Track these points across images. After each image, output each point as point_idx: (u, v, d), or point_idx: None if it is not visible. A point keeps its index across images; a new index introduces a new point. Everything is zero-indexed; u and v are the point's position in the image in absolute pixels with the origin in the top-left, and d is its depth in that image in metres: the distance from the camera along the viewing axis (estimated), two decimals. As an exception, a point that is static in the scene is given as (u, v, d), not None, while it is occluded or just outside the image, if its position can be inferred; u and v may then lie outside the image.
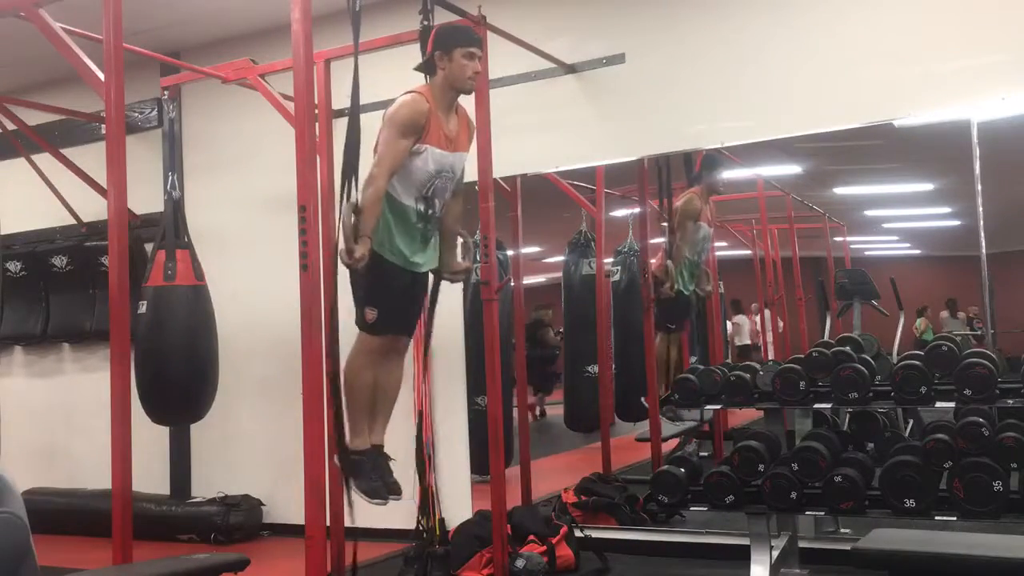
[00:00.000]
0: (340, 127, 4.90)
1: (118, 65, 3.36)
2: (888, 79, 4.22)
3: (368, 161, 3.43)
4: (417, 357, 4.82)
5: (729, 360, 5.62)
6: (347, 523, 3.81)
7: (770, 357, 6.00)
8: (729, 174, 5.71)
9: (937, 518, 3.42)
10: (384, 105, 4.96)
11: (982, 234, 4.11)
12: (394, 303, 3.49)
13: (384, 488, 3.48)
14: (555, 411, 7.52)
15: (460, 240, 3.77)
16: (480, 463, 4.90)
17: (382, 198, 3.33)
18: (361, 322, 3.48)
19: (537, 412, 7.77)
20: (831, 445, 3.77)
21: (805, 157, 5.39)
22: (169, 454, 6.05)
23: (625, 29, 4.77)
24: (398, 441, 4.59)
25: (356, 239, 3.25)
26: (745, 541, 3.83)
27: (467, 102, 4.28)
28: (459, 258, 3.77)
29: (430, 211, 3.52)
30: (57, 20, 3.65)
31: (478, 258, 4.26)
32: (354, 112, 3.40)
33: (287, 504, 5.54)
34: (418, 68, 3.56)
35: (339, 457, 3.48)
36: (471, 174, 4.25)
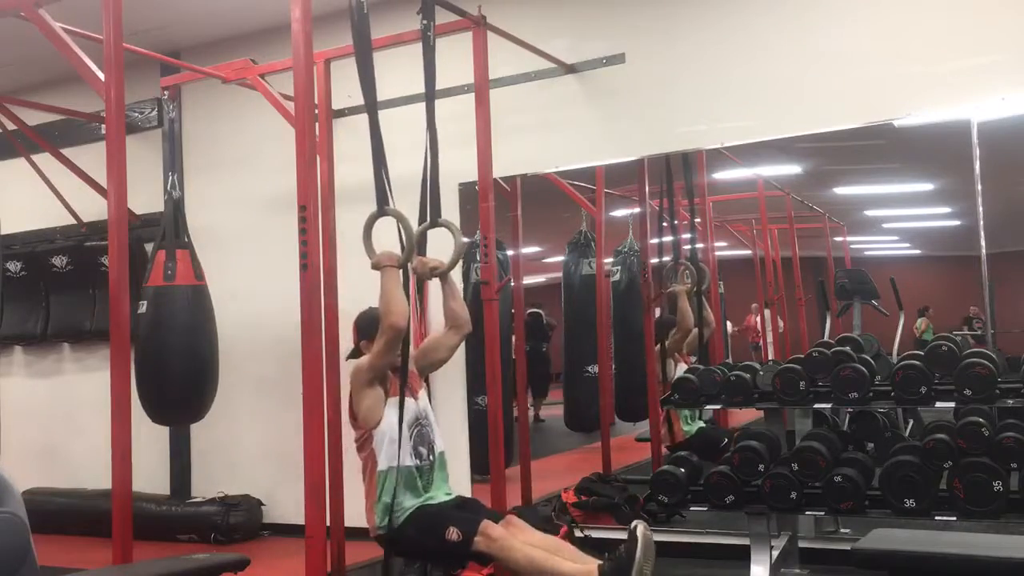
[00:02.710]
0: (340, 127, 4.95)
1: (118, 65, 3.36)
2: (888, 79, 4.22)
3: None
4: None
5: (730, 360, 5.62)
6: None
7: (770, 357, 6.00)
8: (729, 174, 5.71)
9: (937, 518, 3.42)
10: (384, 105, 5.00)
11: (982, 234, 4.11)
12: (451, 514, 3.44)
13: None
14: (553, 412, 7.52)
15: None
16: (480, 463, 4.90)
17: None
18: (462, 547, 3.32)
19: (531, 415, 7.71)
20: (831, 445, 3.77)
21: (805, 157, 5.39)
22: (169, 454, 6.05)
23: (625, 29, 4.78)
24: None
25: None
26: (745, 541, 3.83)
27: (467, 102, 4.30)
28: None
29: (421, 461, 3.49)
30: (57, 20, 3.66)
31: (478, 258, 4.25)
32: (372, 109, 3.40)
33: (287, 504, 5.54)
34: (348, 358, 3.70)
35: None
36: (471, 174, 4.26)
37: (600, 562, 3.22)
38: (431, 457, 3.55)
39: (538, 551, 3.29)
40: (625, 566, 3.09)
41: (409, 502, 3.43)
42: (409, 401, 3.49)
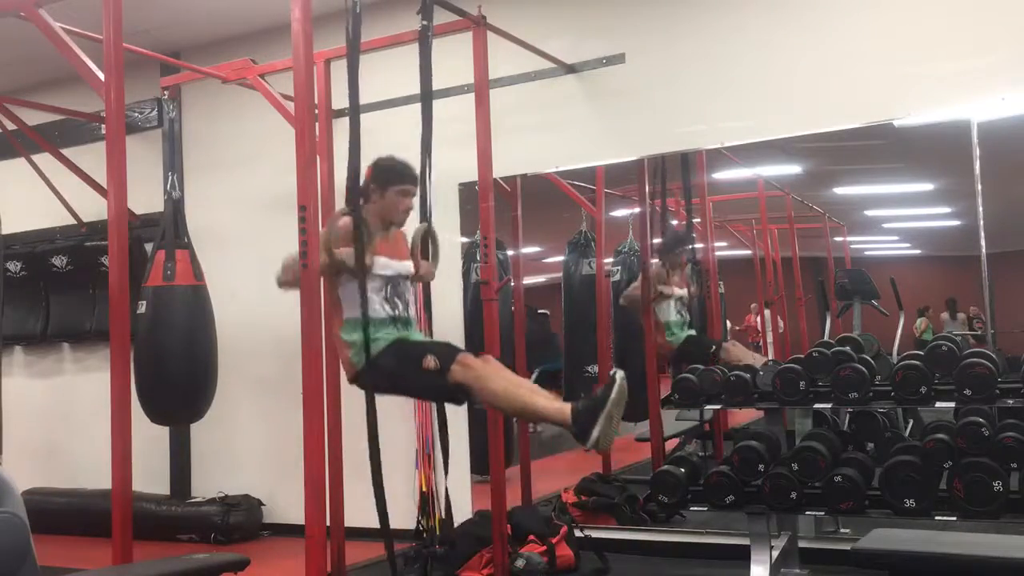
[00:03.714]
0: (340, 127, 4.93)
1: (118, 65, 3.36)
2: (888, 79, 4.22)
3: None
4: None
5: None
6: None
7: (770, 357, 5.99)
8: (729, 174, 5.71)
9: (937, 518, 3.41)
10: (384, 105, 5.02)
11: (982, 234, 4.11)
12: (429, 346, 3.45)
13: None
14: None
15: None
16: (480, 463, 4.90)
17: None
18: (439, 376, 3.32)
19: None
20: (831, 445, 3.77)
21: (805, 157, 5.39)
22: (169, 454, 6.05)
23: (625, 29, 4.78)
24: (398, 442, 4.61)
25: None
26: (745, 541, 3.83)
27: (467, 102, 4.30)
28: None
29: (396, 311, 3.50)
30: (57, 20, 3.66)
31: (478, 258, 4.25)
32: (354, 113, 3.40)
33: (287, 504, 5.55)
34: (349, 199, 3.51)
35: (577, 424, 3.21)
36: (471, 174, 4.25)
37: (570, 411, 3.24)
38: (406, 313, 3.55)
39: (514, 385, 3.33)
40: (598, 406, 3.15)
41: (388, 336, 3.43)
42: (387, 260, 3.47)
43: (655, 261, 5.40)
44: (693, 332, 5.51)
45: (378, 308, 3.45)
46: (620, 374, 3.22)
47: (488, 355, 3.56)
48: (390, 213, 3.57)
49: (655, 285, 5.29)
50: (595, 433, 3.15)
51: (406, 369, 3.39)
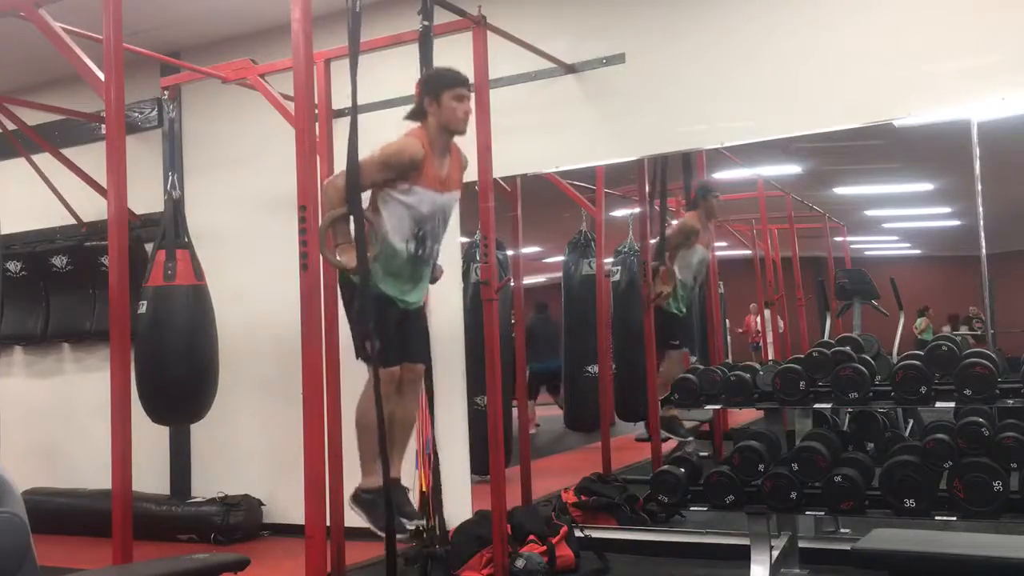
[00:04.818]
0: (340, 127, 4.94)
1: (118, 65, 3.36)
2: (888, 79, 4.22)
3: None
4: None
5: (730, 360, 5.62)
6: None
7: (770, 357, 6.00)
8: (729, 174, 5.71)
9: (937, 518, 3.41)
10: (384, 105, 5.02)
11: (982, 234, 4.11)
12: (393, 332, 3.45)
13: (401, 524, 3.44)
14: (550, 412, 7.50)
15: None
16: (480, 463, 4.90)
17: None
18: (364, 356, 3.39)
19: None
20: (831, 445, 3.77)
21: (805, 157, 5.39)
22: (169, 454, 6.05)
23: (625, 29, 4.78)
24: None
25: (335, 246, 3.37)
26: (745, 541, 3.83)
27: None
28: None
29: (421, 251, 3.51)
30: (57, 20, 3.66)
31: (478, 258, 4.25)
32: (353, 115, 3.40)
33: (287, 504, 5.54)
34: (408, 117, 3.55)
35: (352, 498, 3.47)
36: (471, 174, 4.25)
37: (374, 487, 3.48)
38: (431, 252, 3.55)
39: (371, 428, 3.39)
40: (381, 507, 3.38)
41: (386, 288, 3.44)
42: (433, 195, 3.46)
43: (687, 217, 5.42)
44: (679, 313, 5.49)
45: (401, 246, 3.43)
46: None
47: (416, 386, 3.61)
48: (450, 122, 3.50)
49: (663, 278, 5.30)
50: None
51: (359, 320, 3.42)
